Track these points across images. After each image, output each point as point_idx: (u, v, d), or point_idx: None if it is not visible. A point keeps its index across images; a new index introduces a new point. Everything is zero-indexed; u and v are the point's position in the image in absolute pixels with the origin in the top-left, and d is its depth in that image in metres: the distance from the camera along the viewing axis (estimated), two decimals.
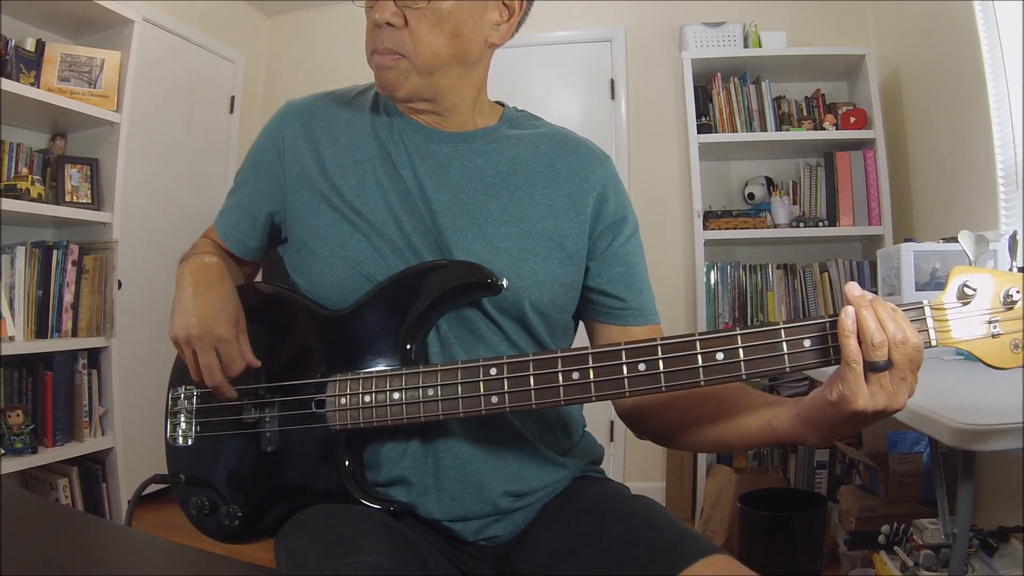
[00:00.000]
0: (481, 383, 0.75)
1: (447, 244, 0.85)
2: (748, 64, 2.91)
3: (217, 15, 3.31)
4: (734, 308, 2.88)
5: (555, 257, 0.87)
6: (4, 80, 2.13)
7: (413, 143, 0.89)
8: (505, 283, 0.82)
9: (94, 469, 2.47)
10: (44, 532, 0.63)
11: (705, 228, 2.84)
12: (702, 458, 2.76)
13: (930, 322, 0.65)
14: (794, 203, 2.93)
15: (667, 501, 2.84)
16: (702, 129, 2.86)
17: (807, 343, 0.66)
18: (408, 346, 0.82)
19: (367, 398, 0.80)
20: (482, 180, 0.88)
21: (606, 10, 3.23)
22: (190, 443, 0.91)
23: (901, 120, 2.78)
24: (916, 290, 1.83)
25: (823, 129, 2.84)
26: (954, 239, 1.83)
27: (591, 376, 0.72)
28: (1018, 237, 1.40)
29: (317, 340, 0.88)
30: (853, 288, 0.65)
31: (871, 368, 0.62)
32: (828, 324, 0.66)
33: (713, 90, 2.91)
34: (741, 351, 0.68)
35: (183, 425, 0.92)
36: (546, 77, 3.25)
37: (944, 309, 0.66)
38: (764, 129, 2.86)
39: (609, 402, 0.80)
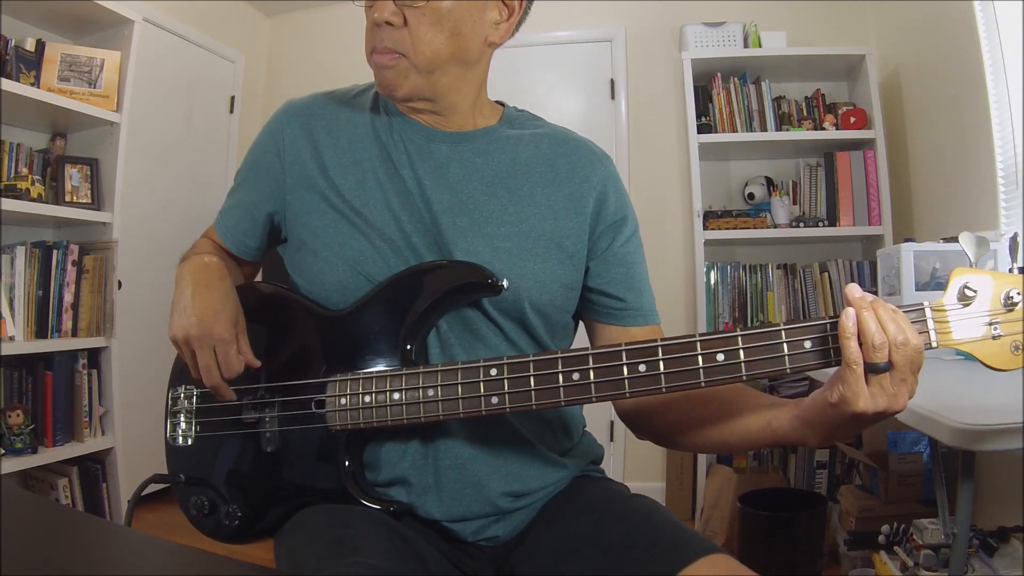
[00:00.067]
0: (481, 383, 0.75)
1: (447, 244, 0.85)
2: (748, 64, 2.91)
3: (217, 15, 3.31)
4: (734, 308, 2.88)
5: (555, 257, 0.87)
6: (4, 80, 2.13)
7: (413, 143, 0.89)
8: (505, 283, 0.82)
9: (94, 469, 2.47)
10: (44, 532, 0.63)
11: (705, 228, 2.84)
12: (702, 458, 2.76)
13: (931, 323, 0.65)
14: (794, 203, 2.93)
15: (667, 501, 2.84)
16: (702, 129, 2.86)
17: (808, 344, 0.66)
18: (408, 346, 0.82)
19: (367, 398, 0.80)
20: (482, 180, 0.88)
21: (606, 10, 3.23)
22: (190, 443, 0.91)
23: (901, 120, 2.78)
24: (916, 290, 1.83)
25: (823, 129, 2.84)
26: (954, 239, 1.83)
27: (591, 377, 0.72)
28: (1019, 239, 1.40)
29: (317, 340, 0.88)
30: (854, 290, 0.65)
31: (872, 370, 0.62)
32: (829, 325, 0.66)
33: (713, 90, 2.91)
34: (742, 352, 0.68)
35: (183, 425, 0.92)
36: (546, 77, 3.25)
37: (945, 310, 0.66)
38: (764, 129, 2.86)
39: (609, 402, 0.80)
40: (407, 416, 0.78)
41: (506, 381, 0.75)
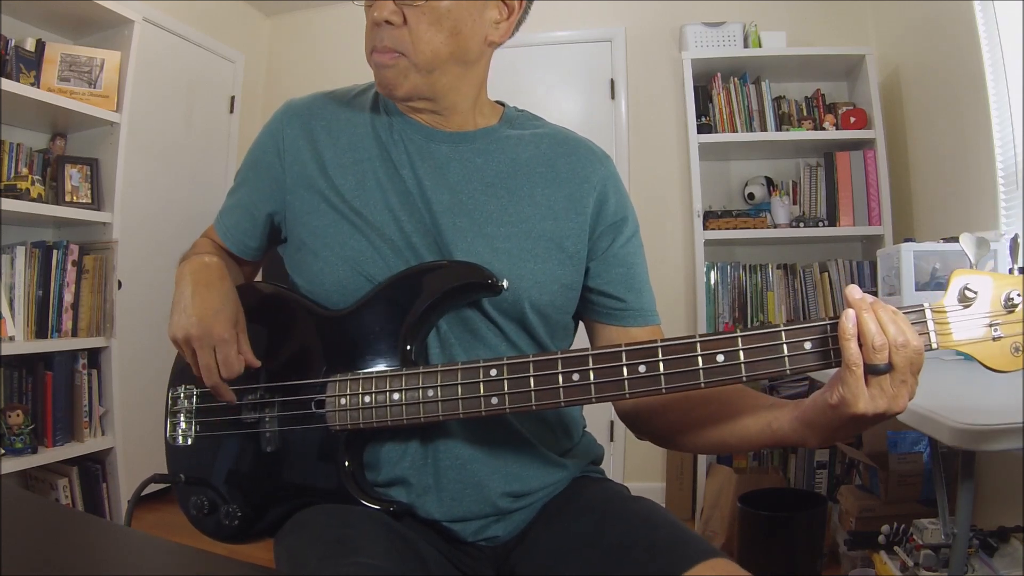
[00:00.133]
0: (481, 384, 0.75)
1: (447, 244, 0.85)
2: (748, 64, 2.91)
3: (217, 15, 3.31)
4: (734, 308, 2.88)
5: (555, 258, 0.87)
6: (4, 80, 2.13)
7: (413, 143, 0.89)
8: (505, 284, 0.82)
9: (94, 469, 2.47)
10: (44, 532, 0.63)
11: (705, 228, 2.84)
12: (702, 458, 2.77)
13: (931, 324, 0.65)
14: (794, 203, 2.93)
15: (667, 501, 2.84)
16: (702, 129, 2.86)
17: (808, 345, 0.66)
18: (408, 346, 0.82)
19: (367, 398, 0.80)
20: (482, 180, 0.88)
21: (606, 10, 3.23)
22: (190, 443, 0.91)
23: (901, 120, 2.78)
24: (916, 290, 1.83)
25: (823, 129, 2.84)
26: (954, 239, 1.83)
27: (591, 377, 0.72)
28: (1019, 239, 1.39)
29: (317, 340, 0.88)
30: (854, 291, 0.65)
31: (872, 371, 0.62)
32: (829, 327, 0.66)
33: (713, 90, 2.91)
34: (742, 353, 0.68)
35: (183, 425, 0.92)
36: (546, 77, 3.25)
37: (945, 312, 0.66)
38: (764, 129, 2.86)
39: (609, 403, 0.80)
40: (407, 416, 0.78)
41: (506, 382, 0.75)
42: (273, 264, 1.02)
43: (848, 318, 0.63)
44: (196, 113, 3.19)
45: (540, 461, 0.88)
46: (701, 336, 0.69)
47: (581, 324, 0.97)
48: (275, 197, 0.92)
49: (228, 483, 0.88)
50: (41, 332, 2.33)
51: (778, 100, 2.92)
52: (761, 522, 2.13)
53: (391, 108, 0.91)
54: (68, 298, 2.40)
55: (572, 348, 0.87)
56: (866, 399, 0.63)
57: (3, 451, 2.15)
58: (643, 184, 3.10)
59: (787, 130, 2.86)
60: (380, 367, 0.83)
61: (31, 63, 2.32)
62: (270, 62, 3.68)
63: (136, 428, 2.56)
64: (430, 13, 0.80)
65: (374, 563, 0.70)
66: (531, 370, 0.74)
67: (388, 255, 0.85)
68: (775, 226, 2.84)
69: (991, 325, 0.65)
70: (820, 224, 2.81)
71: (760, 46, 2.87)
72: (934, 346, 0.65)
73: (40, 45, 2.35)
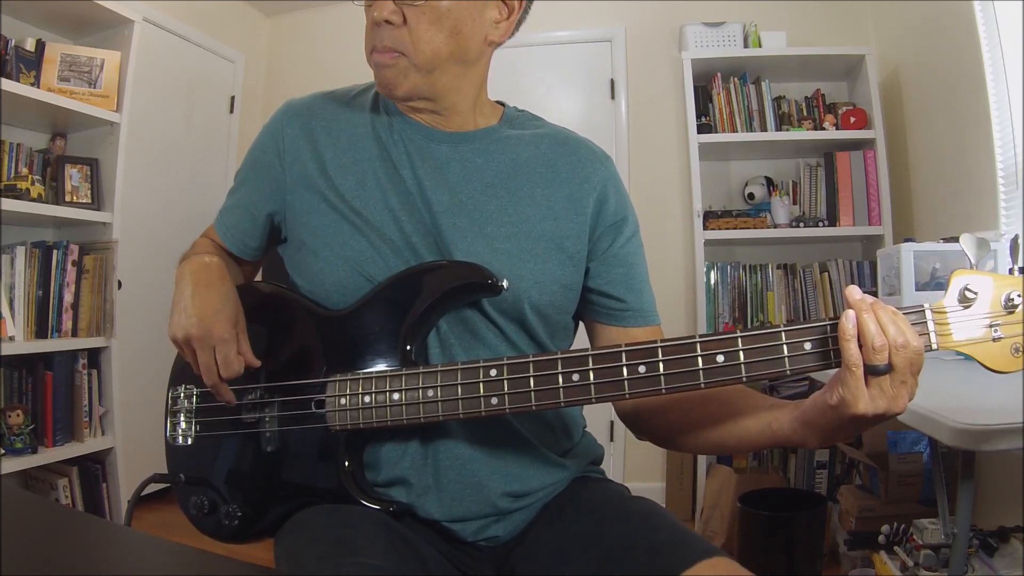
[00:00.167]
0: (481, 384, 0.75)
1: (447, 245, 0.85)
2: (748, 64, 2.91)
3: (217, 15, 3.31)
4: (734, 308, 2.88)
5: (555, 258, 0.87)
6: (4, 80, 2.13)
7: (413, 143, 0.89)
8: (505, 284, 0.82)
9: (94, 469, 2.47)
10: (44, 532, 0.63)
11: (705, 228, 2.84)
12: (702, 458, 2.77)
13: (931, 325, 0.65)
14: (794, 203, 2.93)
15: (667, 501, 2.84)
16: (702, 129, 2.86)
17: (808, 346, 0.66)
18: (408, 347, 0.82)
19: (367, 398, 0.80)
20: (482, 180, 0.88)
21: (606, 10, 3.23)
22: (190, 442, 0.91)
23: (901, 120, 2.78)
24: (916, 290, 1.83)
25: (823, 129, 2.84)
26: (954, 239, 1.83)
27: (591, 377, 0.72)
28: (1019, 240, 1.39)
29: (317, 340, 0.88)
30: (854, 292, 0.65)
31: (871, 372, 0.62)
32: (829, 327, 0.66)
33: (713, 90, 2.91)
34: (741, 354, 0.68)
35: (183, 424, 0.92)
36: (546, 77, 3.25)
37: (945, 312, 0.66)
38: (764, 129, 2.86)
39: (609, 403, 0.80)
40: (407, 416, 0.78)
41: (506, 382, 0.75)
42: (273, 264, 1.02)
43: (848, 319, 0.63)
44: (196, 113, 3.19)
45: (540, 461, 0.88)
46: (701, 336, 0.69)
47: (581, 324, 0.97)
48: (275, 197, 0.92)
49: (228, 483, 0.88)
50: (41, 332, 2.33)
51: (778, 100, 2.92)
52: (761, 522, 2.13)
53: (391, 108, 0.91)
54: (68, 298, 2.40)
55: (572, 348, 0.87)
56: (866, 400, 0.63)
57: (3, 451, 2.15)
58: (643, 184, 3.10)
59: (787, 130, 2.86)
60: (380, 367, 0.83)
61: (31, 63, 2.32)
62: (270, 62, 3.68)
63: (136, 428, 2.56)
64: (430, 13, 0.80)
65: (374, 563, 0.70)
66: (531, 370, 0.74)
67: (388, 255, 0.85)
68: (775, 226, 2.84)
69: (991, 326, 0.65)
70: (820, 224, 2.81)
71: (760, 46, 2.87)
72: (934, 347, 0.65)
73: (40, 45, 2.35)
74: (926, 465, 2.08)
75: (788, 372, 0.67)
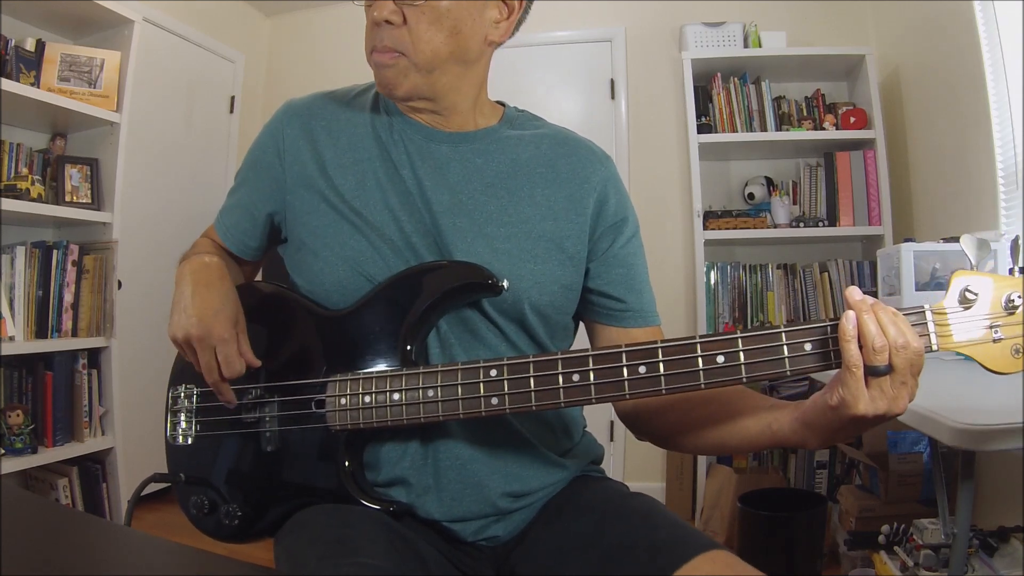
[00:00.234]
0: (481, 384, 0.75)
1: (447, 245, 0.85)
2: (748, 64, 2.91)
3: (217, 15, 3.31)
4: (734, 308, 2.88)
5: (555, 258, 0.87)
6: (4, 80, 2.13)
7: (413, 143, 0.89)
8: (506, 284, 0.82)
9: (94, 469, 2.47)
10: (44, 532, 0.63)
11: (705, 228, 2.84)
12: (702, 458, 2.77)
13: (931, 326, 0.65)
14: (794, 203, 2.93)
15: (667, 501, 2.84)
16: (702, 129, 2.86)
17: (808, 346, 0.66)
18: (408, 347, 0.82)
19: (367, 398, 0.80)
20: (482, 181, 0.88)
21: (606, 10, 3.23)
22: (190, 442, 0.91)
23: (901, 120, 2.78)
24: (916, 290, 1.83)
25: (823, 129, 2.84)
26: (954, 239, 1.83)
27: (591, 378, 0.72)
28: (1020, 241, 1.40)
29: (317, 340, 0.88)
30: (854, 292, 0.65)
31: (872, 372, 0.62)
32: (829, 328, 0.66)
33: (713, 90, 2.91)
34: (742, 354, 0.68)
35: (183, 424, 0.92)
36: (546, 77, 3.24)
37: (945, 313, 0.66)
38: (764, 129, 2.86)
39: (609, 403, 0.80)
40: (407, 416, 0.78)
41: (506, 382, 0.75)
42: (273, 264, 1.02)
43: (848, 319, 0.63)
44: (196, 113, 3.19)
45: (540, 461, 0.88)
46: (701, 337, 0.69)
47: (581, 325, 0.97)
48: (275, 197, 0.92)
49: (228, 483, 0.88)
50: (41, 332, 2.33)
51: (778, 100, 2.92)
52: (761, 522, 2.13)
53: (391, 108, 0.91)
54: (68, 298, 2.40)
55: (572, 349, 0.87)
56: (866, 401, 0.63)
57: (3, 451, 2.15)
58: (643, 184, 3.10)
59: (787, 130, 2.86)
60: (380, 367, 0.83)
61: (31, 63, 2.32)
62: (270, 62, 3.68)
63: (136, 428, 2.56)
64: (430, 13, 0.80)
65: (374, 563, 0.70)
66: (531, 370, 0.74)
67: (388, 255, 0.85)
68: (775, 226, 2.84)
69: (992, 327, 0.65)
70: (820, 224, 2.81)
71: (760, 46, 2.87)
72: (934, 348, 0.65)
73: (40, 45, 2.35)
74: (926, 465, 2.08)
75: (788, 373, 0.67)
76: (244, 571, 0.56)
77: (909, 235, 2.54)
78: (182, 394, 0.93)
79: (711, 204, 2.97)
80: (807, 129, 2.84)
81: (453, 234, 0.85)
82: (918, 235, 2.53)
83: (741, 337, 0.68)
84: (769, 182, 2.99)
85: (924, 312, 0.66)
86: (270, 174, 0.92)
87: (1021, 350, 0.64)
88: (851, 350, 0.63)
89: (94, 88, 2.44)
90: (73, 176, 2.47)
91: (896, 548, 1.71)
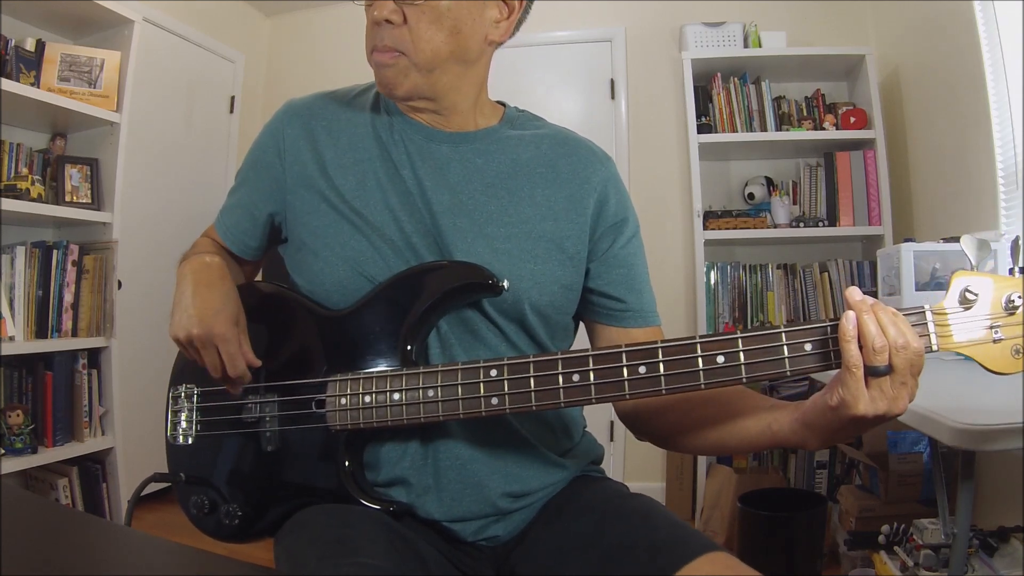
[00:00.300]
0: (481, 384, 0.75)
1: (447, 245, 0.85)
2: (748, 64, 2.91)
3: (217, 15, 3.31)
4: (734, 308, 2.88)
5: (555, 258, 0.87)
6: (4, 80, 2.13)
7: (413, 143, 0.89)
8: (506, 284, 0.82)
9: (94, 469, 2.47)
10: (44, 532, 0.63)
11: (705, 228, 2.84)
12: (702, 458, 2.77)
13: (931, 327, 0.65)
14: (794, 203, 2.93)
15: (667, 501, 2.84)
16: (702, 129, 2.86)
17: (808, 347, 0.66)
18: (408, 347, 0.82)
19: (367, 398, 0.80)
20: (482, 181, 0.88)
21: (606, 10, 3.23)
22: (190, 442, 0.91)
23: (901, 120, 2.78)
24: (916, 290, 1.83)
25: (823, 129, 2.84)
26: (954, 239, 1.83)
27: (591, 378, 0.72)
28: (1020, 241, 1.39)
29: (317, 340, 0.88)
30: (854, 293, 0.65)
31: (872, 373, 0.62)
32: (829, 328, 0.66)
33: (713, 90, 2.91)
34: (742, 354, 0.68)
35: (183, 424, 0.92)
36: (546, 77, 3.25)
37: (946, 313, 0.66)
38: (764, 129, 2.86)
39: (609, 403, 0.80)
40: (407, 416, 0.78)
41: (506, 382, 0.75)
42: (273, 264, 1.02)
43: (848, 320, 0.63)
44: (196, 113, 3.19)
45: (540, 461, 0.88)
46: (701, 337, 0.69)
47: (581, 325, 0.97)
48: (275, 197, 0.92)
49: (228, 482, 0.88)
50: (41, 332, 2.33)
51: (778, 100, 2.92)
52: (761, 522, 2.13)
53: (392, 108, 0.91)
54: (68, 298, 2.40)
55: (572, 349, 0.87)
56: (866, 401, 0.63)
57: (3, 451, 2.15)
58: (643, 184, 3.10)
59: (787, 130, 2.86)
60: (380, 367, 0.83)
61: (31, 63, 2.32)
62: (270, 62, 3.68)
63: (136, 428, 2.56)
64: (430, 12, 0.80)
65: (374, 563, 0.70)
66: (531, 370, 0.74)
67: (388, 255, 0.85)
68: (775, 226, 2.84)
69: (992, 327, 0.65)
70: (820, 224, 2.81)
71: (760, 46, 2.87)
72: (934, 348, 0.65)
73: (40, 45, 2.35)
74: (926, 465, 2.08)
75: (788, 373, 0.67)
76: (244, 571, 0.56)
77: (909, 235, 2.54)
78: (182, 394, 0.93)
79: (711, 204, 2.97)
80: (807, 129, 2.84)
81: (453, 234, 0.85)
82: (918, 235, 2.53)
83: (741, 337, 0.68)
84: (769, 182, 2.99)
85: (924, 312, 0.66)
86: (270, 174, 0.92)
87: (1021, 350, 0.64)
88: (851, 350, 0.63)
89: (94, 88, 2.44)
90: (73, 176, 2.47)
91: (896, 548, 1.71)
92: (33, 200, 2.29)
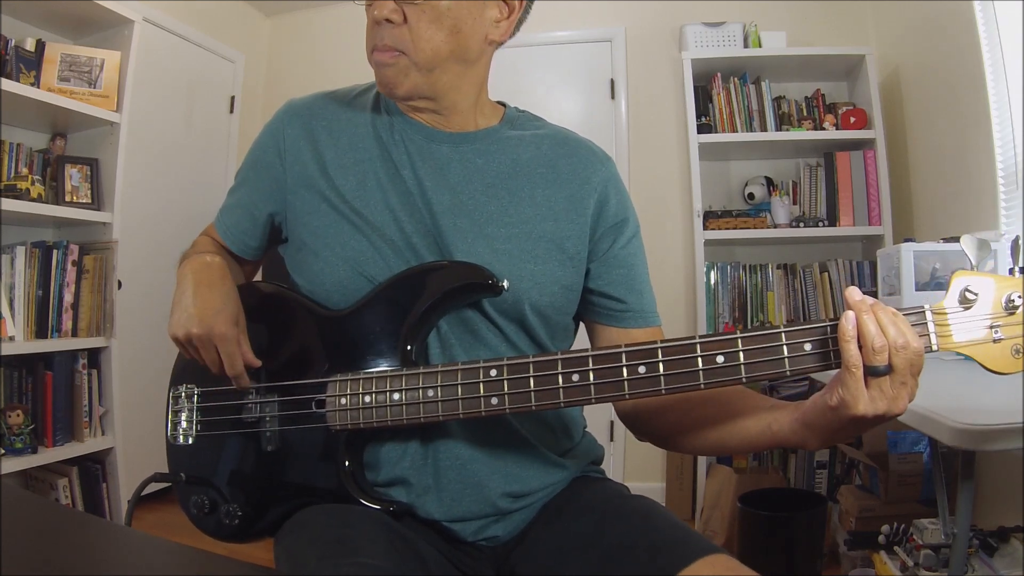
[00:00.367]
0: (481, 384, 0.75)
1: (447, 245, 0.85)
2: (748, 64, 2.91)
3: (217, 15, 3.31)
4: (734, 308, 2.88)
5: (555, 259, 0.87)
6: (4, 80, 2.13)
7: (414, 143, 0.89)
8: (506, 284, 0.82)
9: (94, 469, 2.47)
10: (44, 532, 0.63)
11: (705, 228, 2.84)
12: (702, 458, 2.77)
13: (931, 326, 0.65)
14: (794, 203, 2.93)
15: (667, 501, 2.84)
16: (702, 129, 2.86)
17: (808, 347, 0.66)
18: (408, 347, 0.82)
19: (367, 398, 0.80)
20: (483, 181, 0.88)
21: (606, 10, 3.23)
22: (191, 442, 0.91)
23: (901, 120, 2.78)
24: (916, 290, 1.83)
25: (823, 129, 2.84)
26: (954, 239, 1.83)
27: (591, 378, 0.72)
28: (1020, 241, 1.39)
29: (318, 340, 0.88)
30: (854, 293, 0.65)
31: (871, 373, 0.62)
32: (829, 328, 0.66)
33: (713, 90, 2.91)
34: (741, 354, 0.68)
35: (184, 424, 0.92)
36: (546, 77, 3.25)
37: (945, 313, 0.66)
38: (764, 129, 2.86)
39: (610, 403, 0.80)
40: (407, 416, 0.78)
41: (506, 382, 0.75)
42: (273, 264, 1.02)
43: (848, 319, 0.63)
44: (196, 113, 3.19)
45: (540, 461, 0.88)
46: (701, 337, 0.69)
47: (582, 325, 0.97)
48: (276, 197, 0.92)
49: (228, 482, 0.88)
50: (41, 332, 2.33)
51: (778, 100, 2.92)
52: (761, 522, 2.13)
53: (392, 108, 0.91)
54: (68, 298, 2.40)
55: (572, 349, 0.87)
56: (866, 401, 0.63)
57: (3, 451, 2.15)
58: (643, 184, 3.10)
59: (787, 130, 2.86)
60: (380, 367, 0.83)
61: (31, 63, 2.32)
62: (270, 62, 3.68)
63: (136, 428, 2.56)
64: (430, 11, 0.80)
65: (374, 563, 0.70)
66: (531, 370, 0.74)
67: (388, 255, 0.85)
68: (775, 226, 2.84)
69: (992, 327, 0.65)
70: (820, 224, 2.81)
71: (760, 46, 2.87)
72: (934, 348, 0.65)
73: (40, 45, 2.35)
74: (926, 465, 2.08)
75: (788, 373, 0.67)
76: (244, 571, 0.56)
77: (909, 235, 2.54)
78: (183, 394, 0.93)
79: (711, 204, 2.97)
80: (807, 129, 2.84)
81: (453, 234, 0.85)
82: (918, 235, 2.53)
83: (741, 337, 0.68)
84: (769, 182, 2.99)
85: (924, 312, 0.66)
86: (271, 174, 0.92)
87: (1021, 350, 0.64)
88: (851, 350, 0.63)
89: (94, 88, 2.44)
90: (73, 176, 2.47)
91: (896, 548, 1.71)
92: (33, 200, 2.29)
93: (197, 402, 0.92)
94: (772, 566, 2.04)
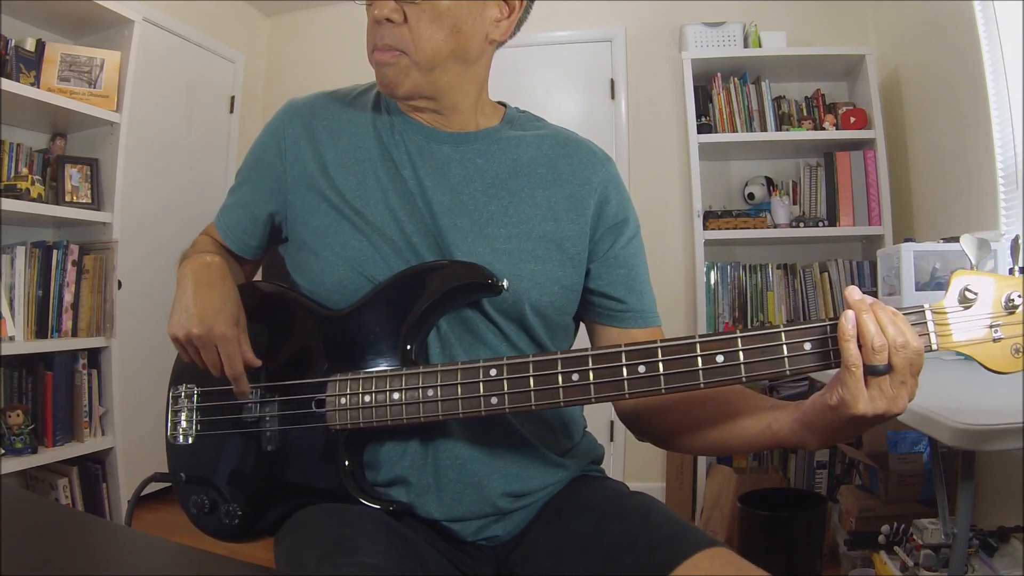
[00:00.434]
0: (481, 384, 0.75)
1: (447, 245, 0.85)
2: (748, 64, 2.91)
3: (217, 15, 3.31)
4: (734, 308, 2.88)
5: (555, 259, 0.87)
6: (4, 80, 2.13)
7: (414, 143, 0.89)
8: (506, 284, 0.82)
9: (94, 469, 2.47)
10: (44, 532, 0.63)
11: (705, 228, 2.84)
12: (702, 458, 2.77)
13: (931, 326, 0.65)
14: (794, 203, 2.93)
15: (667, 501, 2.84)
16: (702, 129, 2.86)
17: (807, 346, 0.66)
18: (408, 346, 0.82)
19: (367, 398, 0.80)
20: (483, 181, 0.88)
21: (606, 10, 3.23)
22: (191, 441, 0.91)
23: (901, 120, 2.78)
24: (916, 290, 1.83)
25: (823, 129, 2.84)
26: (954, 239, 1.83)
27: (591, 378, 0.72)
28: (1020, 241, 1.39)
29: (318, 340, 0.88)
30: (853, 292, 0.65)
31: (871, 372, 0.62)
32: (828, 327, 0.66)
33: (713, 90, 2.91)
34: (741, 354, 0.68)
35: (184, 423, 0.92)
36: (546, 77, 3.25)
37: (945, 313, 0.66)
38: (764, 129, 2.86)
39: (610, 403, 0.80)
40: (407, 416, 0.78)
41: (506, 382, 0.75)
42: (273, 264, 1.02)
43: (847, 319, 0.63)
44: (196, 113, 3.19)
45: (540, 461, 0.88)
46: (700, 337, 0.69)
47: (582, 325, 0.97)
48: (276, 197, 0.92)
49: (228, 482, 0.88)
50: (41, 332, 2.33)
51: (778, 100, 2.92)
52: (761, 522, 2.13)
53: (392, 108, 0.91)
54: (68, 298, 2.40)
55: (572, 348, 0.87)
56: (865, 400, 0.63)
57: (3, 451, 2.15)
58: (643, 184, 3.10)
59: (787, 130, 2.86)
60: (380, 367, 0.83)
61: (31, 63, 2.32)
62: (270, 62, 3.68)
63: (136, 428, 2.56)
64: (430, 11, 0.80)
65: (374, 563, 0.70)
66: (531, 370, 0.74)
67: (389, 255, 0.85)
68: (775, 226, 2.84)
69: (992, 326, 0.65)
70: (820, 224, 2.81)
71: (760, 46, 2.87)
72: (934, 347, 0.65)
73: (40, 45, 2.35)
74: (926, 465, 2.08)
75: (788, 372, 0.67)
76: (244, 571, 0.56)
77: (909, 235, 2.54)
78: (183, 394, 0.93)
79: (711, 204, 2.97)
80: (807, 129, 2.84)
81: (454, 234, 0.85)
82: (918, 235, 2.53)
83: (740, 337, 0.68)
84: (769, 182, 2.99)
85: (924, 312, 0.66)
86: (271, 173, 0.92)
87: (1021, 350, 0.64)
88: (850, 349, 0.63)
89: (94, 88, 2.44)
90: (73, 176, 2.47)
91: (896, 548, 1.71)
92: (33, 200, 2.30)
93: (197, 402, 0.92)
94: (772, 566, 2.01)
